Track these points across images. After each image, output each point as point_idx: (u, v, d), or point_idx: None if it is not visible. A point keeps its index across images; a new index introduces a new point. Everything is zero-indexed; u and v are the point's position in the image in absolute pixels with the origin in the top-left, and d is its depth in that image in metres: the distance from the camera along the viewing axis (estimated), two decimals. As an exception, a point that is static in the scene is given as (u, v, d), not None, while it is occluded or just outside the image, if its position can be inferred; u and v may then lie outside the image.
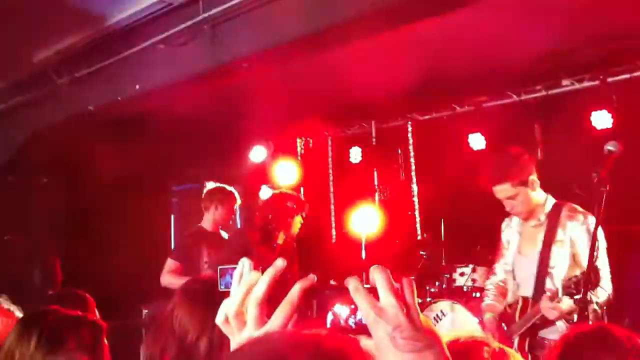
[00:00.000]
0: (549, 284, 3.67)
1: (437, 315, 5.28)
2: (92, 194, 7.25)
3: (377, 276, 0.97)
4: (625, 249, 5.29)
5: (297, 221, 4.98)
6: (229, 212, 5.41)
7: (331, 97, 7.02)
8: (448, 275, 5.71)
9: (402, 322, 0.94)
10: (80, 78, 5.71)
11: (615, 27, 5.13)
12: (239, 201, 5.52)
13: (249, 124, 7.95)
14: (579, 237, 3.58)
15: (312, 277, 1.04)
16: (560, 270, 3.64)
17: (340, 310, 1.03)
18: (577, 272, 3.37)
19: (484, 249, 5.47)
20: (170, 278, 5.10)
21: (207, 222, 5.39)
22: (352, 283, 0.98)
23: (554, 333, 3.58)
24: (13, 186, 6.95)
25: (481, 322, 3.98)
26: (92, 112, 5.72)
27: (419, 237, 6.98)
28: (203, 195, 5.57)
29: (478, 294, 5.21)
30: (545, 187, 5.57)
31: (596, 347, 1.75)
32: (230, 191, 5.51)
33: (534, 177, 3.74)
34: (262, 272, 1.06)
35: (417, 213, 7.15)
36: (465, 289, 5.51)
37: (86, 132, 6.42)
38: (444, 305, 5.21)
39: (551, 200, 3.83)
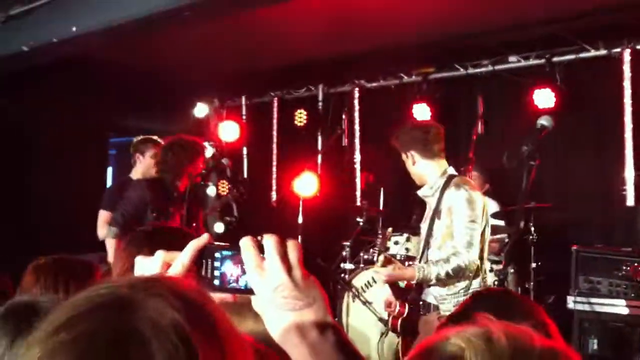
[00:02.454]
0: (430, 254, 3.75)
1: (365, 284, 5.31)
2: (23, 141, 6.99)
3: (266, 241, 1.04)
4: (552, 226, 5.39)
5: (194, 168, 4.90)
6: (151, 159, 5.31)
7: (278, 56, 6.90)
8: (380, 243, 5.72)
9: (283, 281, 1.01)
10: (15, 16, 5.42)
11: (564, 8, 5.16)
12: None
13: (194, 79, 7.77)
14: (454, 206, 3.61)
15: (206, 236, 1.10)
16: (437, 240, 3.72)
17: (232, 269, 1.09)
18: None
19: (420, 218, 5.49)
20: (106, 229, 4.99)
21: (134, 172, 5.36)
22: (242, 243, 1.05)
23: (428, 295, 3.80)
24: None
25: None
26: (26, 52, 5.44)
27: (357, 204, 6.96)
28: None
29: (411, 263, 5.23)
30: (484, 162, 5.63)
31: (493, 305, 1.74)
32: (153, 140, 5.41)
33: (416, 153, 3.84)
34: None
35: (357, 180, 7.12)
36: (398, 257, 5.52)
37: (19, 74, 6.16)
38: (371, 273, 5.24)
39: (449, 172, 3.84)
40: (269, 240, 1.04)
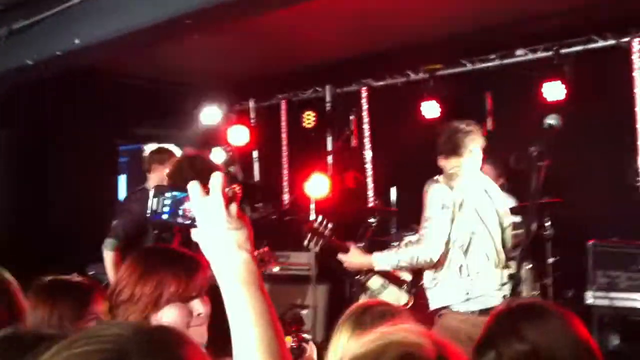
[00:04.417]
0: None
1: (381, 285, 5.24)
2: (35, 151, 7.01)
3: (213, 178, 1.29)
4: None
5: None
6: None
7: (285, 59, 6.88)
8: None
9: (220, 210, 1.27)
10: (19, 30, 5.42)
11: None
12: None
13: (202, 84, 7.77)
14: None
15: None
16: None
17: (182, 206, 1.37)
18: None
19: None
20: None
21: (150, 182, 5.25)
22: (191, 183, 1.30)
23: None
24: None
25: None
26: (30, 66, 5.44)
27: (370, 205, 6.91)
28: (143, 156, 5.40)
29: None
30: (494, 158, 5.56)
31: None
32: (170, 151, 5.35)
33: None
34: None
35: (369, 180, 7.07)
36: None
37: (27, 86, 6.16)
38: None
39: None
40: (214, 179, 1.28)
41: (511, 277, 2.99)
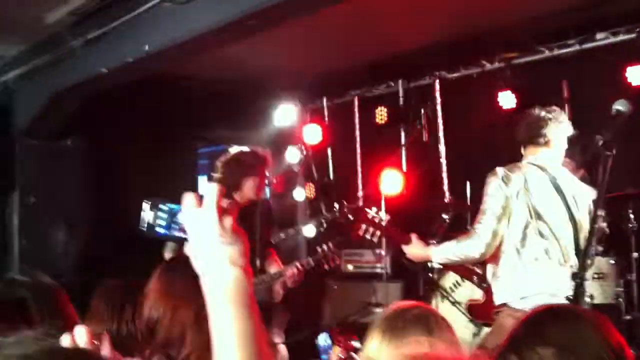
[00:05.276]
0: None
1: (454, 284, 5.11)
2: (116, 157, 7.24)
3: (207, 194, 1.24)
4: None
5: (252, 182, 4.74)
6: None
7: (357, 55, 6.82)
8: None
9: (213, 224, 1.22)
10: (93, 39, 5.60)
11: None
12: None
13: (275, 84, 7.81)
14: None
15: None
16: None
17: (176, 220, 1.34)
18: None
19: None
20: None
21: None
22: (185, 196, 1.25)
23: None
24: (36, 150, 6.96)
25: None
26: (104, 74, 5.61)
27: (446, 200, 6.73)
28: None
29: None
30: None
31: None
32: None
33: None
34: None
35: (444, 175, 6.89)
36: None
37: (105, 93, 6.36)
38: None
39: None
40: (209, 192, 1.23)
41: (574, 276, 2.81)
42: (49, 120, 6.77)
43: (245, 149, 5.04)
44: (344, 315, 6.24)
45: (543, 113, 3.86)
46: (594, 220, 2.89)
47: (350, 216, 4.51)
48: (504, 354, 1.53)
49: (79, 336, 1.17)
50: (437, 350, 1.78)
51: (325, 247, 4.82)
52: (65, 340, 1.15)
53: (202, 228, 1.23)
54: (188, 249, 1.27)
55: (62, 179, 7.07)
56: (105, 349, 1.23)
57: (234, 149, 5.58)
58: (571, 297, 2.81)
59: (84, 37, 5.64)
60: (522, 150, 3.88)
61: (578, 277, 2.76)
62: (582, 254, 2.99)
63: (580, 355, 1.44)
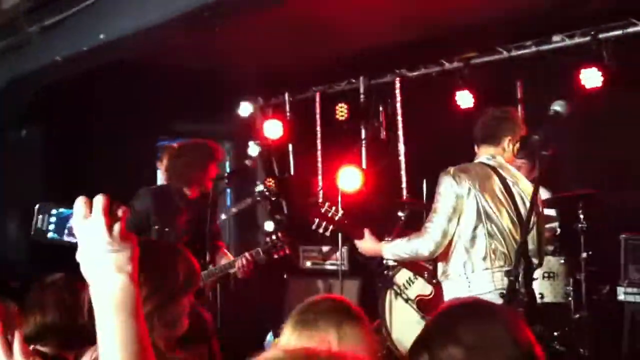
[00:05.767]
0: None
1: (407, 281, 5.15)
2: (72, 147, 7.13)
3: (95, 199, 1.26)
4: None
5: (203, 175, 4.77)
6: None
7: (319, 51, 6.81)
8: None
9: (101, 231, 1.23)
10: (49, 27, 5.51)
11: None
12: None
13: (238, 79, 7.77)
14: None
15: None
16: None
17: (67, 224, 1.32)
18: None
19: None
20: None
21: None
22: (76, 201, 1.27)
23: None
24: (-10, 139, 6.84)
25: None
26: (59, 62, 5.52)
27: (404, 198, 6.78)
28: None
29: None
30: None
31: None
32: (170, 147, 5.52)
33: None
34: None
35: (402, 172, 6.93)
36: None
37: (62, 82, 6.26)
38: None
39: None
40: (97, 199, 1.25)
41: (507, 273, 2.84)
42: (4, 109, 6.64)
43: (196, 141, 5.04)
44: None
45: (497, 113, 3.92)
46: (528, 219, 2.92)
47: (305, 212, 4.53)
48: (416, 350, 1.54)
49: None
50: (346, 342, 1.78)
51: (274, 236, 4.83)
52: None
53: (90, 234, 1.24)
54: (77, 256, 1.27)
55: (18, 169, 6.95)
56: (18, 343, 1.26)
57: (184, 141, 5.59)
58: (504, 294, 2.84)
59: (40, 24, 5.54)
60: (476, 149, 3.92)
61: (512, 275, 2.79)
62: (517, 252, 3.01)
63: (489, 355, 1.45)
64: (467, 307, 1.65)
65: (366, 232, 3.92)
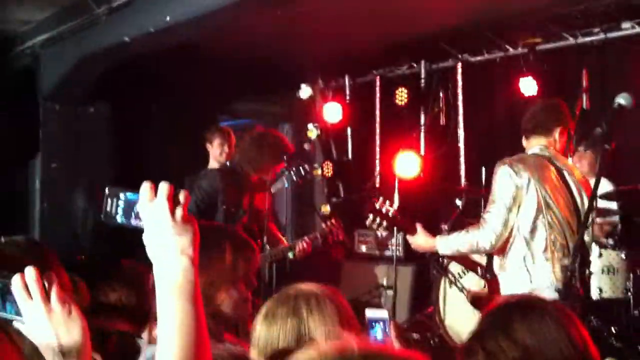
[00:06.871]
0: None
1: (462, 270, 5.12)
2: (138, 125, 7.33)
3: (160, 185, 1.32)
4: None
5: (273, 166, 4.94)
6: (218, 148, 5.58)
7: (381, 35, 6.77)
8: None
9: (164, 215, 1.30)
10: (117, 8, 5.66)
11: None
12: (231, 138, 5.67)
13: (299, 61, 7.80)
14: None
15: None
16: None
17: (134, 208, 1.36)
18: None
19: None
20: None
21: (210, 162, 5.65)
22: (142, 186, 1.33)
23: None
24: (60, 115, 7.08)
25: None
26: (127, 43, 5.67)
27: (462, 185, 6.71)
28: None
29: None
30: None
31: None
32: (219, 129, 5.76)
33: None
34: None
35: (461, 159, 6.86)
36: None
37: (129, 61, 6.42)
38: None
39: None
40: (161, 185, 1.31)
41: (564, 269, 2.78)
42: (73, 87, 6.87)
43: (275, 132, 5.18)
44: (354, 296, 6.28)
45: (547, 103, 3.89)
46: (587, 214, 2.85)
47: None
48: (470, 343, 1.55)
49: (29, 276, 1.27)
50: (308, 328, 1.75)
51: (329, 222, 4.91)
52: (15, 279, 1.26)
53: (154, 218, 1.30)
54: (143, 238, 1.33)
55: (85, 145, 7.19)
56: (55, 293, 1.30)
57: (263, 126, 5.71)
58: (560, 289, 2.79)
59: (108, 5, 5.69)
60: (524, 141, 3.86)
61: (569, 270, 2.74)
62: (574, 247, 2.95)
63: (543, 351, 1.45)
64: (522, 304, 1.65)
65: (419, 227, 3.83)
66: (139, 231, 1.36)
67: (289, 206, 8.28)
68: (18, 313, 1.30)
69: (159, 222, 1.30)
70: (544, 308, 1.60)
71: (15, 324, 1.33)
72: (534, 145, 3.77)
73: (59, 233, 6.94)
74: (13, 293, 1.29)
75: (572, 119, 3.98)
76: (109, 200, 1.37)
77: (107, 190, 1.38)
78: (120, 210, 1.37)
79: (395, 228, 4.53)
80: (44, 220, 7.03)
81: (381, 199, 3.74)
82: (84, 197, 7.05)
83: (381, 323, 1.82)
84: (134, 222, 1.37)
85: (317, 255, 5.20)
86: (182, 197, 1.34)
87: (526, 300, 1.74)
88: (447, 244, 3.72)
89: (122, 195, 1.37)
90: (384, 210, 3.72)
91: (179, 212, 1.31)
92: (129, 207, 1.37)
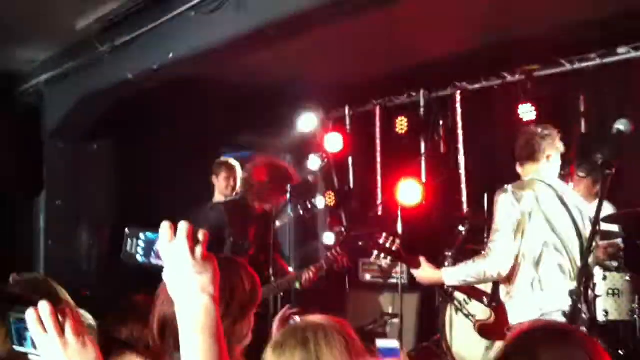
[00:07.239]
0: None
1: (468, 296, 5.12)
2: (141, 161, 7.37)
3: (179, 225, 1.34)
4: None
5: (276, 196, 4.97)
6: (224, 181, 5.74)
7: (380, 64, 6.86)
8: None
9: (184, 254, 1.32)
10: (120, 46, 5.75)
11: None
12: (237, 171, 5.76)
13: (299, 92, 7.89)
14: None
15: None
16: None
17: (154, 247, 1.38)
18: None
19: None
20: None
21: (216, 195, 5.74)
22: (161, 225, 1.35)
23: None
24: (64, 153, 7.14)
25: None
26: (130, 80, 5.75)
27: (464, 212, 6.75)
28: None
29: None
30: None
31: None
32: (225, 163, 5.85)
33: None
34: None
35: (463, 186, 6.91)
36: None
37: (131, 98, 6.50)
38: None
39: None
40: (181, 224, 1.33)
41: (571, 293, 2.80)
42: (76, 124, 6.94)
43: (278, 162, 5.23)
44: (360, 324, 6.27)
45: (539, 130, 3.92)
46: (591, 239, 2.89)
47: (360, 242, 4.61)
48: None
49: (43, 310, 1.29)
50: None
51: (333, 251, 4.95)
52: (29, 313, 1.28)
53: (175, 257, 1.32)
54: (164, 276, 1.35)
55: (89, 181, 7.24)
56: (69, 326, 1.31)
57: (266, 157, 5.75)
58: (567, 314, 2.81)
59: (111, 44, 5.79)
60: (519, 168, 3.90)
61: (574, 294, 2.76)
62: (579, 271, 2.98)
63: None
64: (547, 330, 1.66)
65: (422, 260, 3.87)
66: (147, 267, 1.39)
67: (292, 236, 8.30)
68: (35, 347, 1.32)
69: (180, 261, 1.32)
70: (569, 334, 1.62)
71: (32, 358, 1.35)
72: (530, 172, 3.81)
73: (65, 270, 6.95)
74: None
75: (569, 144, 4.04)
76: (129, 240, 1.39)
77: (127, 230, 1.40)
78: (140, 250, 1.40)
79: (398, 261, 4.57)
80: (48, 258, 7.04)
81: (384, 235, 3.78)
82: (88, 233, 7.08)
83: (392, 353, 1.84)
84: (154, 261, 1.39)
85: (322, 284, 5.22)
86: (201, 235, 1.36)
87: (551, 326, 1.76)
88: (454, 275, 3.74)
89: (142, 235, 1.40)
90: (387, 245, 3.75)
91: (198, 250, 1.34)
92: (149, 246, 1.39)
